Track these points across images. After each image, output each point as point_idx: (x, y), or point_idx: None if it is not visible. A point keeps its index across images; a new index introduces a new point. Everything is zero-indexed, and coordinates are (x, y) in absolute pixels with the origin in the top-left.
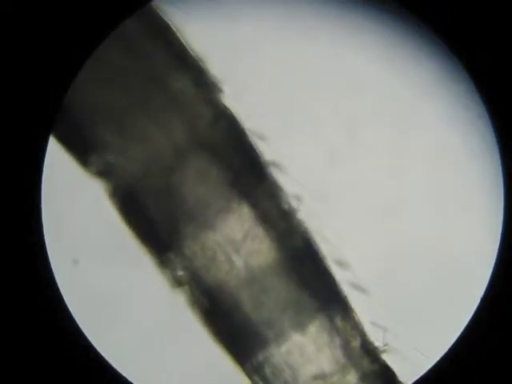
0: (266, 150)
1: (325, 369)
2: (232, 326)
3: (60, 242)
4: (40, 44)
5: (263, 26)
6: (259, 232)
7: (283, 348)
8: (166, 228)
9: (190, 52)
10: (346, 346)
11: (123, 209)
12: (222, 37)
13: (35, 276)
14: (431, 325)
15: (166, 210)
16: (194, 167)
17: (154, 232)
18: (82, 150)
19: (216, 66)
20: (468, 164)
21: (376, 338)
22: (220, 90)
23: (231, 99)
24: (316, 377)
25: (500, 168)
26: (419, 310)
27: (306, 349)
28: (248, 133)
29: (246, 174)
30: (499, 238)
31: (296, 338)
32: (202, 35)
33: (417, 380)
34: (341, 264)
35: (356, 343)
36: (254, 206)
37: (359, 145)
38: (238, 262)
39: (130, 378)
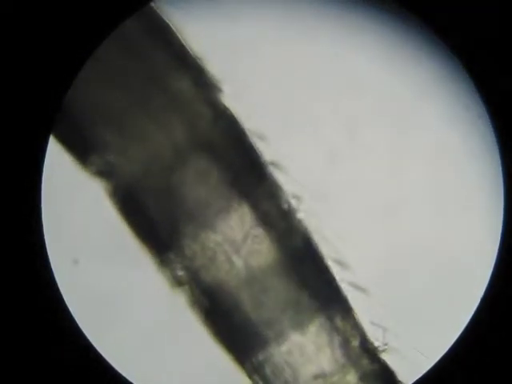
0: (266, 150)
1: (325, 368)
2: (232, 325)
3: (60, 242)
4: (40, 44)
5: (263, 26)
6: (259, 232)
7: (283, 348)
8: (166, 228)
9: (190, 52)
10: (345, 346)
11: (123, 209)
12: (222, 37)
13: (35, 276)
14: (431, 325)
15: (166, 210)
16: (193, 167)
17: (154, 232)
18: (81, 150)
19: (216, 66)
20: (468, 164)
21: (376, 338)
22: (220, 90)
23: (231, 99)
24: (316, 376)
25: (500, 168)
26: (419, 310)
27: (306, 348)
28: (248, 133)
29: (246, 174)
30: (499, 238)
31: (296, 338)
32: (201, 35)
33: (417, 380)
34: (341, 264)
35: (356, 343)
36: (254, 205)
37: (359, 145)
38: (238, 261)
39: (129, 378)
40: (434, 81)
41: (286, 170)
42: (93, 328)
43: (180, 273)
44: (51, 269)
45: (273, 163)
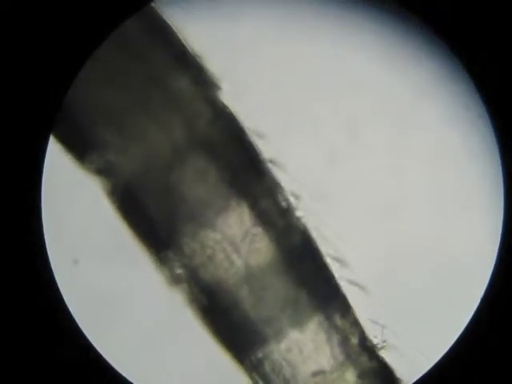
0: (265, 148)
1: (324, 366)
2: (231, 323)
3: (60, 242)
4: (40, 44)
5: (263, 26)
6: (258, 230)
7: (282, 345)
8: (165, 226)
9: (190, 51)
10: (344, 344)
11: (122, 207)
12: (222, 37)
13: (35, 276)
14: (431, 325)
15: (165, 209)
16: (192, 166)
17: (153, 230)
18: (81, 149)
19: (216, 65)
20: (468, 164)
21: (374, 335)
22: (219, 89)
23: (230, 98)
24: (315, 374)
25: (500, 168)
26: (419, 310)
27: (305, 346)
28: (247, 131)
29: (245, 172)
30: (499, 238)
31: (295, 336)
32: (201, 35)
33: (417, 380)
34: (340, 262)
35: (355, 340)
36: (253, 204)
37: (359, 145)
38: (237, 260)
39: (129, 378)
40: (434, 81)
41: (284, 168)
42: (93, 328)
43: (179, 271)
44: (51, 269)
45: (272, 161)
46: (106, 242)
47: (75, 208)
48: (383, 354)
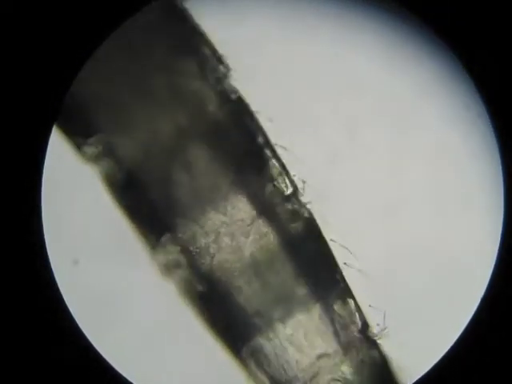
0: (273, 133)
1: (323, 353)
2: (229, 310)
3: (60, 241)
4: (41, 43)
5: (263, 25)
6: (263, 216)
7: (282, 332)
8: (166, 211)
9: (199, 36)
10: (344, 331)
11: (123, 191)
12: (223, 36)
13: (35, 276)
14: (431, 325)
15: (167, 194)
16: (198, 151)
17: (154, 215)
18: (83, 132)
19: None
20: (468, 164)
21: (375, 323)
22: (228, 73)
23: (239, 82)
24: (314, 362)
25: (500, 168)
26: (419, 310)
27: (305, 333)
28: (254, 115)
29: (252, 156)
30: (499, 238)
31: (295, 323)
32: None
33: (417, 380)
34: (343, 248)
35: (355, 328)
36: (259, 189)
37: (359, 145)
38: (240, 245)
39: (129, 378)
40: (434, 81)
41: (292, 152)
42: (93, 328)
43: (178, 255)
44: (51, 269)
45: (279, 146)
46: (106, 242)
47: (75, 208)
48: (383, 341)
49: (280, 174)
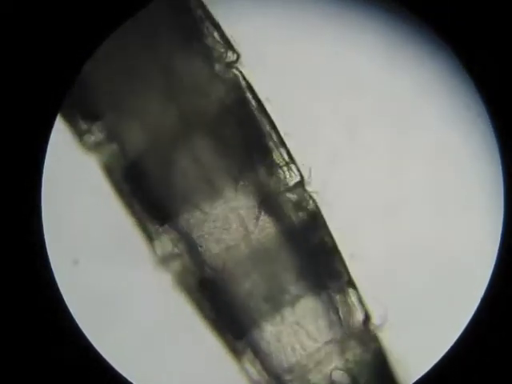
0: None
1: (325, 343)
2: (231, 298)
3: (60, 241)
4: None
5: (263, 25)
6: (268, 204)
7: (287, 319)
8: (168, 198)
9: (207, 23)
10: (347, 322)
11: (125, 178)
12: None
13: (35, 276)
14: (431, 325)
15: (170, 181)
16: (204, 138)
17: (155, 200)
18: (88, 117)
19: None
20: (468, 164)
21: (376, 315)
22: (236, 60)
23: (247, 70)
24: (315, 351)
25: (500, 168)
26: (419, 310)
27: (309, 322)
28: (262, 102)
29: (259, 144)
30: (499, 238)
31: (298, 311)
32: None
33: (417, 380)
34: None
35: (357, 319)
36: (265, 177)
37: (359, 145)
38: (243, 233)
39: (129, 378)
40: (434, 81)
41: (298, 140)
42: (93, 328)
43: (179, 244)
44: (51, 269)
45: (286, 133)
46: (106, 242)
47: (75, 208)
48: (383, 334)
49: (287, 163)
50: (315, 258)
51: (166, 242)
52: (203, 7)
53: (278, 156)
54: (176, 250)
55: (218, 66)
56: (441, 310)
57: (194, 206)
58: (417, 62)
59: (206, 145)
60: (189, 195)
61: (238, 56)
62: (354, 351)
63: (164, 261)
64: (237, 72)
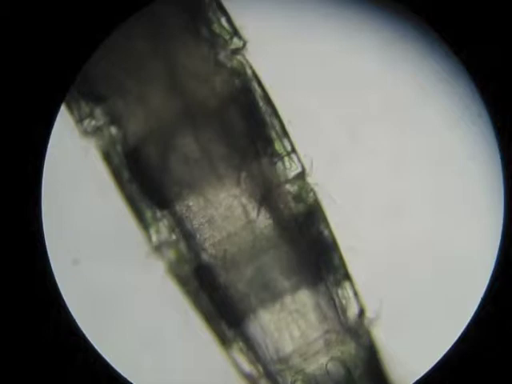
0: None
1: (321, 334)
2: (227, 287)
3: (60, 242)
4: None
5: (264, 25)
6: (269, 194)
7: (279, 311)
8: (167, 185)
9: (211, 11)
10: (342, 315)
11: (127, 162)
12: None
13: (35, 276)
14: (432, 324)
15: (169, 168)
16: (206, 126)
17: (154, 187)
18: (93, 100)
19: None
20: (468, 164)
21: (371, 309)
22: (242, 48)
23: (253, 58)
24: (312, 342)
25: (500, 168)
26: (419, 310)
27: (306, 312)
28: (266, 91)
29: (261, 134)
30: (499, 238)
31: (294, 301)
32: None
33: (417, 380)
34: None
35: (352, 311)
36: (267, 166)
37: (360, 145)
38: (243, 222)
39: (129, 378)
40: (434, 81)
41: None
42: (93, 328)
43: (176, 231)
44: (51, 269)
45: (290, 122)
46: (106, 242)
47: (75, 208)
48: (376, 330)
49: (288, 153)
50: (314, 249)
51: (163, 229)
52: None
53: (281, 146)
54: (173, 237)
55: (223, 53)
56: (441, 310)
57: (196, 193)
58: (417, 62)
59: (209, 132)
60: (191, 182)
61: (245, 43)
62: (349, 344)
63: (159, 249)
64: (243, 59)
